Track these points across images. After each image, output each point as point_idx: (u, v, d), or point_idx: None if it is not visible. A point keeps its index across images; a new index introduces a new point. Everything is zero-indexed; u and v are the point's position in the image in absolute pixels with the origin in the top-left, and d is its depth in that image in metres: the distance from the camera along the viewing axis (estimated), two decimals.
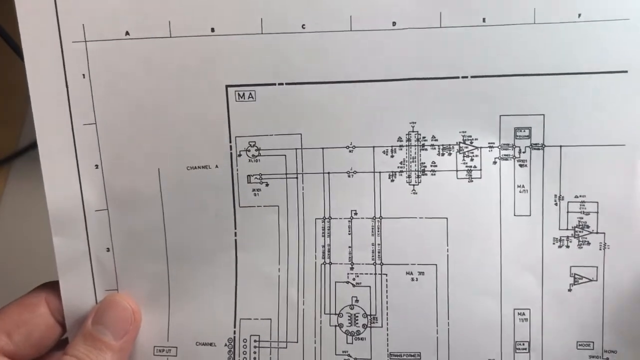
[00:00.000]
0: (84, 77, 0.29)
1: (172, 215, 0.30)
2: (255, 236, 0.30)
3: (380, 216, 0.30)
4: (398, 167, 0.29)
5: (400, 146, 0.29)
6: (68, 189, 0.29)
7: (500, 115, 0.29)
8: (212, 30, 0.28)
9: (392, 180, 0.29)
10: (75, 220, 0.29)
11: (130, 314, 0.27)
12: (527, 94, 0.28)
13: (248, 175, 0.30)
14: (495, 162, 0.29)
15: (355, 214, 0.30)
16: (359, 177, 0.29)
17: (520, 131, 0.29)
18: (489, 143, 0.29)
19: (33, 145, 0.52)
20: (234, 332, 0.30)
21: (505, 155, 0.29)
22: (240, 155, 0.29)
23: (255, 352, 0.30)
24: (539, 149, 0.29)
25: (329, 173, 0.29)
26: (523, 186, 0.29)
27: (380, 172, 0.29)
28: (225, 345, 0.30)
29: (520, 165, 0.29)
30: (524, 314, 0.29)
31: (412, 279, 0.29)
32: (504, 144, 0.29)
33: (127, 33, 0.29)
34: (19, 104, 0.56)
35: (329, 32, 0.28)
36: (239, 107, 0.29)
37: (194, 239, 0.30)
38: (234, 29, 0.28)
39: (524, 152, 0.29)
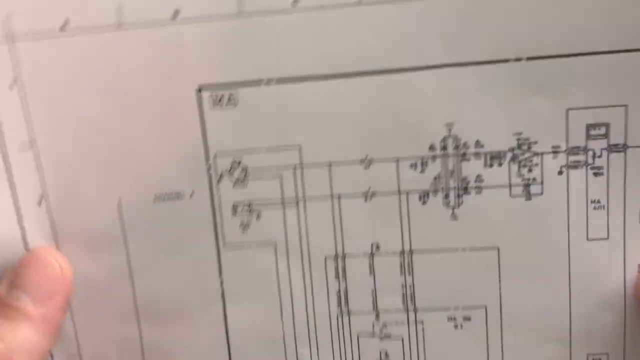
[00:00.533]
0: (10, 89, 0.24)
1: (140, 261, 0.25)
2: (247, 284, 0.25)
3: (411, 249, 0.24)
4: (431, 184, 0.24)
5: (434, 156, 0.24)
6: (7, 230, 0.24)
7: (567, 109, 0.23)
8: (175, 13, 0.22)
9: (424, 203, 0.24)
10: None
11: (58, 272, 0.23)
12: (604, 77, 0.22)
13: (234, 205, 0.24)
14: (561, 172, 0.23)
15: (378, 248, 0.24)
16: (380, 200, 0.24)
17: (595, 129, 0.23)
18: (552, 147, 0.23)
19: None
20: None
21: (574, 162, 0.23)
22: (221, 178, 0.24)
23: None
24: (619, 151, 0.23)
25: (339, 196, 0.24)
26: (599, 201, 0.23)
27: (408, 192, 0.24)
28: None
29: (595, 174, 0.23)
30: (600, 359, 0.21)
31: (456, 326, 0.25)
32: (573, 148, 0.23)
33: (64, 25, 0.23)
34: None
35: (329, 7, 0.22)
36: (216, 115, 0.23)
37: (169, 291, 0.25)
38: (202, 10, 0.22)
39: (599, 157, 0.23)
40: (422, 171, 0.23)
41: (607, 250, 0.23)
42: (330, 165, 0.23)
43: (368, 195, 0.23)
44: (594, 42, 0.21)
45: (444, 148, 0.23)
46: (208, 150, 0.23)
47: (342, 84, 0.22)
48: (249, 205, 0.23)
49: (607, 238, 0.23)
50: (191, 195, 0.24)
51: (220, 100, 0.23)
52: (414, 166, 0.23)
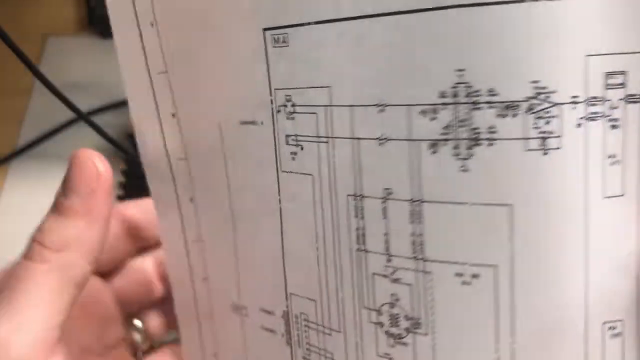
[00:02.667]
0: (152, 26, 0.32)
1: (235, 174, 0.32)
2: (293, 206, 0.29)
3: (421, 199, 0.26)
4: (441, 133, 0.24)
5: (444, 104, 0.24)
6: (153, 137, 0.34)
7: (586, 55, 0.22)
8: None
9: (434, 152, 0.25)
10: (163, 168, 0.32)
11: (94, 171, 0.27)
12: (623, 22, 0.21)
13: (286, 136, 0.29)
14: (579, 125, 0.23)
15: (390, 193, 0.26)
16: (392, 146, 0.26)
17: (612, 77, 0.22)
18: (572, 97, 0.23)
19: (31, 145, 0.60)
20: (286, 306, 0.31)
21: (593, 113, 0.22)
22: (279, 111, 0.29)
23: (306, 332, 0.31)
24: (636, 102, 0.22)
25: (358, 139, 0.27)
26: (615, 156, 0.22)
27: (419, 141, 0.25)
28: (282, 316, 0.31)
29: (612, 127, 0.22)
30: (615, 327, 0.23)
31: (464, 283, 0.25)
32: (591, 98, 0.22)
33: None
34: (18, 104, 0.62)
35: None
36: (275, 54, 0.28)
37: (252, 199, 0.32)
38: None
39: (616, 108, 0.22)
40: (433, 119, 0.25)
41: (623, 207, 0.23)
42: (351, 107, 0.26)
43: (382, 141, 0.26)
44: None
45: (455, 95, 0.24)
46: (271, 85, 0.29)
47: (364, 25, 0.25)
48: (296, 137, 0.28)
49: (623, 195, 0.22)
50: (262, 123, 0.30)
51: (278, 40, 0.28)
52: (424, 113, 0.24)
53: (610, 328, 0.23)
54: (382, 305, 0.27)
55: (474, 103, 0.23)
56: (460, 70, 0.23)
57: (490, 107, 0.23)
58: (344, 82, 0.26)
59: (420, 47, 0.24)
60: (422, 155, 0.25)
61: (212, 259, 0.35)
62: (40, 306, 0.24)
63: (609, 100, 0.22)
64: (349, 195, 0.27)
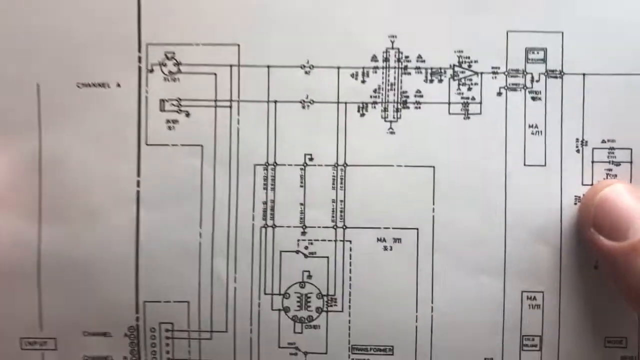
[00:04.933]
0: None
1: (53, 151, 0.26)
2: (167, 187, 0.26)
3: (345, 163, 0.27)
4: (371, 96, 0.26)
5: (375, 68, 0.26)
6: None
7: (507, 31, 0.26)
8: None
9: (363, 115, 0.26)
10: None
11: None
12: (542, 3, 0.26)
13: (162, 100, 0.26)
14: (500, 93, 0.26)
15: (311, 159, 0.27)
16: (317, 108, 0.26)
17: (534, 53, 0.26)
18: (492, 67, 0.26)
19: None
20: (137, 319, 0.26)
21: (513, 84, 0.27)
22: (152, 70, 0.26)
23: (168, 345, 0.27)
24: (556, 77, 0.26)
25: (275, 102, 0.26)
26: (536, 126, 0.27)
27: (346, 103, 0.26)
28: (126, 335, 0.26)
29: (533, 99, 0.26)
30: (535, 298, 0.26)
31: (385, 248, 0.27)
32: (512, 70, 0.26)
33: None
34: None
35: None
36: (153, 2, 0.25)
37: (79, 187, 0.26)
38: None
39: (537, 81, 0.26)
40: (363, 82, 0.26)
41: (544, 177, 0.26)
42: (268, 67, 0.25)
43: (306, 103, 0.26)
44: None
45: (386, 60, 0.26)
46: (141, 38, 0.26)
47: None
48: (179, 102, 0.25)
49: (545, 165, 0.26)
50: (118, 85, 0.26)
51: None
52: (354, 76, 0.26)
53: (529, 298, 0.26)
54: (290, 286, 0.27)
55: (404, 68, 0.25)
56: (392, 36, 0.25)
57: (418, 72, 0.25)
58: (260, 40, 0.26)
59: (355, 11, 0.26)
60: (350, 117, 0.26)
61: None
62: None
63: (529, 73, 0.25)
64: (257, 165, 0.26)
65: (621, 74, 0.25)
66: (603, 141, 0.26)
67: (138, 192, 0.26)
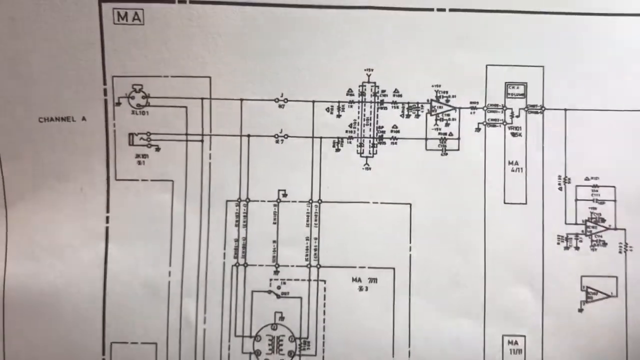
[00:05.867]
0: None
1: (17, 186, 0.25)
2: (136, 223, 0.26)
3: (320, 199, 0.26)
4: (347, 131, 0.26)
5: (351, 102, 0.26)
6: None
7: (486, 65, 0.26)
8: None
9: (338, 150, 0.26)
10: None
11: None
12: (523, 37, 0.26)
13: (130, 134, 0.26)
14: (478, 129, 0.26)
15: (285, 195, 0.26)
16: (292, 143, 0.26)
17: (513, 87, 0.26)
18: (470, 102, 0.26)
19: None
20: None
21: (492, 119, 0.26)
22: (119, 103, 0.25)
23: None
24: (537, 113, 0.26)
25: (248, 136, 0.26)
26: (516, 163, 0.26)
27: (321, 138, 0.26)
28: None
29: (513, 134, 0.26)
30: (516, 342, 0.26)
31: (360, 288, 0.26)
32: (491, 105, 0.26)
33: None
34: None
35: None
36: (118, 32, 0.25)
37: (45, 223, 0.26)
38: None
39: (517, 117, 0.26)
40: (339, 116, 0.26)
41: (525, 216, 0.26)
42: (241, 100, 0.25)
43: (280, 138, 0.26)
44: (517, 1, 0.25)
45: (362, 94, 0.26)
46: (105, 70, 0.25)
47: (259, 12, 0.25)
48: (148, 136, 0.24)
49: (526, 203, 0.26)
50: (83, 119, 0.25)
51: (124, 16, 0.25)
52: (330, 110, 0.26)
53: (510, 342, 0.26)
54: (262, 328, 0.26)
55: (380, 102, 0.24)
56: (368, 69, 0.24)
57: (395, 107, 0.24)
58: (232, 72, 0.25)
59: (330, 43, 0.25)
60: (325, 152, 0.25)
61: None
62: None
63: (509, 108, 0.25)
64: (229, 200, 0.25)
65: (604, 110, 0.25)
66: (586, 178, 0.25)
67: (107, 228, 0.25)
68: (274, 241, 0.25)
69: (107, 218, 0.25)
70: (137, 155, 0.25)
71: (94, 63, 0.25)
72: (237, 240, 0.25)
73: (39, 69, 0.25)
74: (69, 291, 0.25)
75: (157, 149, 0.25)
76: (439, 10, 0.25)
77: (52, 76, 0.25)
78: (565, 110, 0.25)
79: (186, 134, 0.25)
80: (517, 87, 0.25)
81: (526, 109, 0.25)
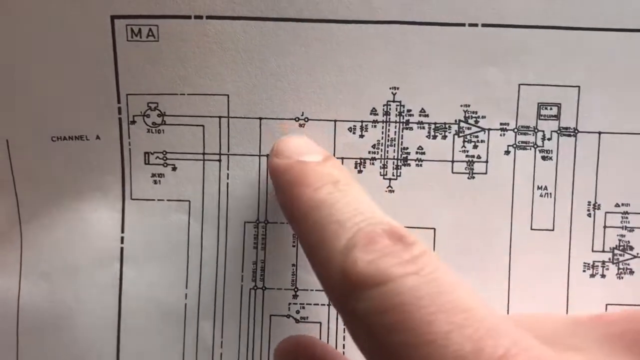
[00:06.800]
0: None
1: (32, 206, 0.25)
2: (152, 244, 0.25)
3: None
4: (369, 152, 0.25)
5: (375, 122, 0.25)
6: None
7: (519, 85, 0.25)
8: None
9: (360, 171, 0.25)
10: None
11: None
12: (558, 54, 0.24)
13: (146, 153, 0.25)
14: (508, 152, 0.25)
15: None
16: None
17: (546, 108, 0.25)
18: (501, 124, 0.25)
19: None
20: None
21: (523, 142, 0.25)
22: (134, 122, 0.25)
23: None
24: (570, 136, 0.25)
25: (267, 156, 0.25)
26: (546, 188, 0.25)
27: (342, 159, 0.25)
28: None
29: (544, 158, 0.25)
30: None
31: None
32: (522, 127, 0.25)
33: None
34: None
35: None
36: (132, 49, 0.24)
37: (60, 245, 0.25)
38: None
39: (549, 139, 0.25)
40: (361, 136, 0.25)
41: (552, 242, 0.25)
42: (260, 119, 0.23)
43: None
44: (553, 16, 0.24)
45: (387, 113, 0.25)
46: (119, 88, 0.24)
47: (279, 27, 0.24)
48: (164, 155, 0.23)
49: (553, 229, 0.25)
50: (97, 138, 0.25)
51: (138, 33, 0.24)
52: (352, 130, 0.24)
53: None
54: None
55: (405, 122, 0.23)
56: (394, 87, 0.23)
57: (421, 127, 0.23)
58: (251, 90, 0.25)
59: (354, 60, 0.24)
60: None
61: None
62: None
63: (541, 130, 0.23)
64: (247, 222, 0.25)
65: (639, 134, 0.24)
66: (617, 205, 0.25)
67: (122, 248, 0.25)
68: (292, 264, 0.24)
69: (122, 238, 0.24)
70: (153, 175, 0.24)
71: (107, 81, 0.24)
72: (255, 263, 0.24)
73: (51, 88, 0.24)
74: (83, 313, 0.25)
75: (174, 168, 0.24)
76: (470, 25, 0.24)
77: (65, 95, 0.24)
78: (600, 133, 0.24)
79: (203, 154, 0.24)
80: (551, 109, 0.24)
81: (559, 132, 0.24)
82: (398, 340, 0.15)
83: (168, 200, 0.24)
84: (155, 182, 0.24)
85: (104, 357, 0.24)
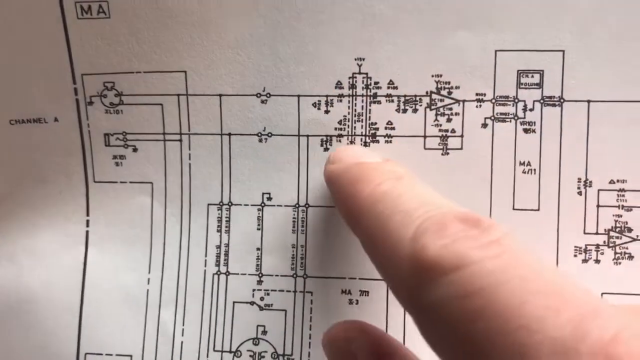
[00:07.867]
0: None
1: None
2: (115, 227, 0.25)
3: (307, 203, 0.24)
4: (336, 128, 0.24)
5: (340, 96, 0.23)
6: None
7: (495, 50, 0.23)
8: None
9: (327, 149, 0.24)
10: None
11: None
12: (539, 16, 0.22)
13: (106, 135, 0.24)
14: (485, 125, 0.23)
15: (269, 198, 0.24)
16: (276, 142, 0.24)
17: (526, 76, 0.23)
18: (476, 94, 0.23)
19: None
20: None
21: (501, 114, 0.23)
22: (91, 102, 0.24)
23: None
24: (554, 105, 0.23)
25: (229, 134, 0.24)
26: (529, 164, 0.23)
27: (308, 136, 0.24)
28: None
29: (526, 131, 0.23)
30: None
31: (350, 301, 0.24)
32: (500, 97, 0.23)
33: None
34: None
35: None
36: (83, 27, 0.23)
37: (23, 229, 0.25)
38: None
39: (531, 110, 0.23)
40: (327, 112, 0.24)
41: (537, 224, 0.23)
42: (220, 96, 0.23)
43: (263, 136, 0.24)
44: None
45: (353, 86, 0.23)
46: (74, 69, 0.24)
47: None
48: (124, 136, 0.22)
49: (538, 209, 0.23)
50: (55, 120, 0.24)
51: (88, 9, 0.23)
52: (317, 105, 0.23)
53: None
54: (242, 343, 0.24)
55: (373, 96, 0.21)
56: (359, 58, 0.21)
57: (390, 101, 0.21)
58: (209, 66, 0.23)
59: (316, 30, 0.23)
60: (312, 152, 0.23)
61: None
62: None
63: (522, 100, 0.22)
64: (210, 204, 0.24)
65: (633, 101, 0.21)
66: (611, 181, 0.22)
67: (87, 232, 0.24)
68: (257, 248, 0.23)
69: (88, 222, 0.24)
70: (115, 157, 0.24)
71: (61, 61, 0.23)
72: (218, 247, 0.24)
73: (5, 71, 0.24)
74: (47, 297, 0.24)
75: (135, 150, 0.24)
76: None
77: (19, 78, 0.24)
78: (589, 102, 0.22)
79: (164, 133, 0.23)
80: (532, 76, 0.22)
81: (542, 101, 0.22)
82: (483, 327, 0.13)
83: (130, 182, 0.24)
84: (117, 164, 0.23)
85: (64, 341, 0.24)
